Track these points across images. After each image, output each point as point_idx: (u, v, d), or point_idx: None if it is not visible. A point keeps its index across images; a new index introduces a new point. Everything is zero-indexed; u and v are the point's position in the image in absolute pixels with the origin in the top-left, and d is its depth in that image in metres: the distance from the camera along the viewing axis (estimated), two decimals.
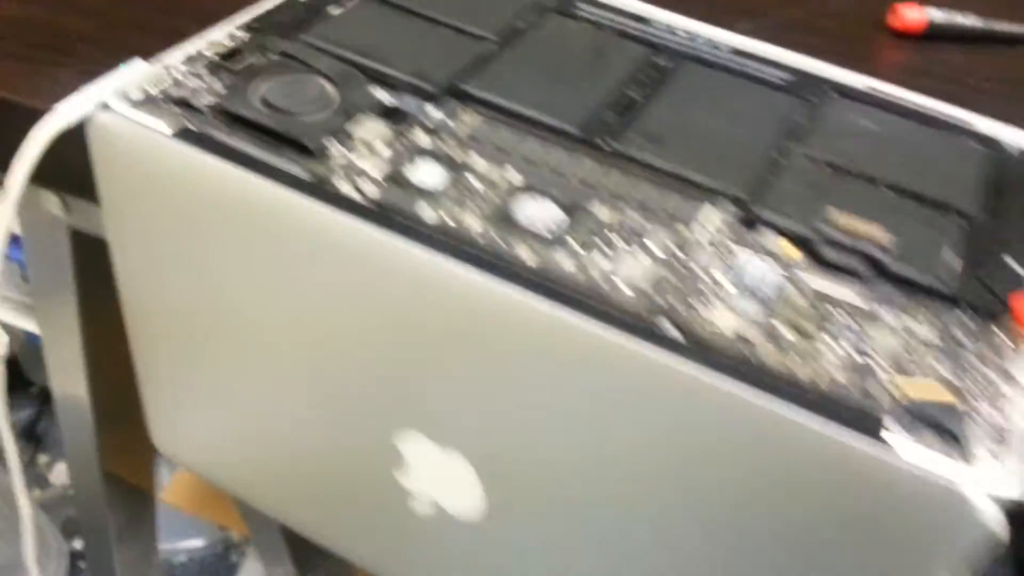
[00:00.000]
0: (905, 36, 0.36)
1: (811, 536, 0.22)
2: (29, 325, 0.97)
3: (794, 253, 0.24)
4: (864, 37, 0.37)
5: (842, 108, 0.30)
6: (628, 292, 0.23)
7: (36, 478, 1.07)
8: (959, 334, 0.23)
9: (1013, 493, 0.19)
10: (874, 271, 0.24)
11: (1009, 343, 0.23)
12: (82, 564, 0.99)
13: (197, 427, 0.35)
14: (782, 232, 0.25)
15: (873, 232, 0.24)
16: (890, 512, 0.20)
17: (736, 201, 0.26)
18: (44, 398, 1.14)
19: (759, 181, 0.26)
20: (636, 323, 0.22)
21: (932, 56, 0.36)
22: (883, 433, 0.20)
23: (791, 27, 0.36)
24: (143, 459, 0.70)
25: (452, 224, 0.24)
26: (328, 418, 0.30)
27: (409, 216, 0.24)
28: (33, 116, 0.26)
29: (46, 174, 0.27)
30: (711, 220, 0.25)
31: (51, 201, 0.34)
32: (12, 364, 1.08)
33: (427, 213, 0.24)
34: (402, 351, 0.26)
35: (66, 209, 0.34)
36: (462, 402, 0.26)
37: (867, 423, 0.20)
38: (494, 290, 0.23)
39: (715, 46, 0.32)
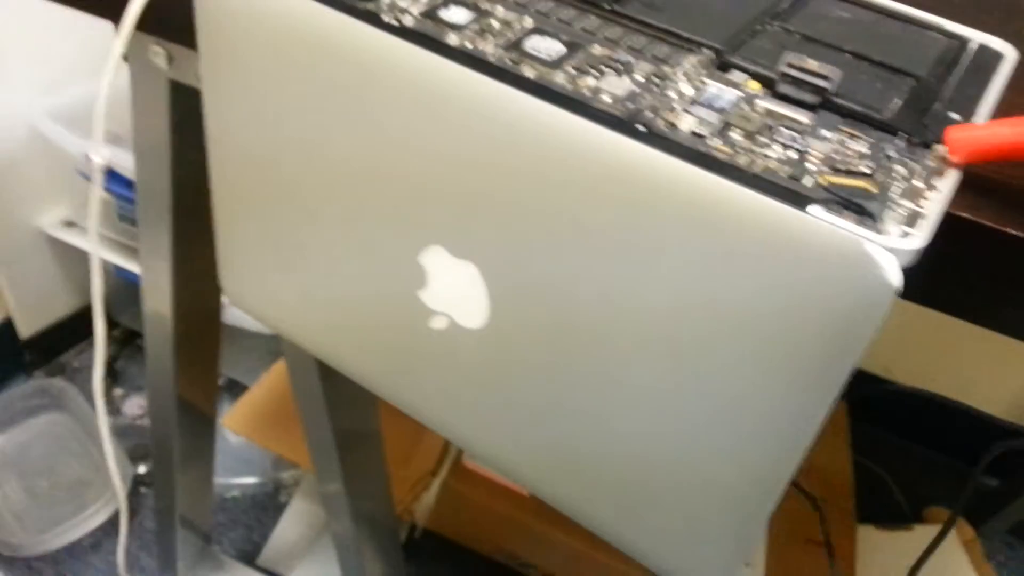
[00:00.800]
0: None
1: (738, 293, 0.26)
2: (121, 262, 1.07)
3: (755, 86, 0.29)
4: None
5: (825, 1, 0.34)
6: (608, 100, 0.28)
7: (110, 408, 1.16)
8: (891, 152, 0.27)
9: (910, 249, 0.23)
10: (822, 103, 0.28)
11: (937, 165, 0.27)
12: (143, 489, 1.07)
13: (260, 271, 0.41)
14: (749, 74, 0.30)
15: (823, 69, 0.28)
16: (807, 268, 0.24)
17: (715, 51, 0.30)
18: (125, 339, 1.23)
19: (738, 40, 0.31)
20: (610, 119, 0.27)
21: None
22: (807, 206, 0.24)
23: None
24: (210, 387, 0.77)
25: (470, 46, 0.29)
26: (367, 246, 0.35)
27: (436, 40, 0.29)
28: None
29: (154, 23, 0.34)
30: (690, 62, 0.30)
31: (157, 53, 0.41)
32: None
33: (451, 39, 0.30)
34: (428, 162, 0.31)
35: (169, 61, 0.40)
36: (475, 209, 0.31)
37: (794, 197, 0.24)
38: (499, 93, 0.28)
39: None
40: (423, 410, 0.39)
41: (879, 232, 0.23)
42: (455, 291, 0.33)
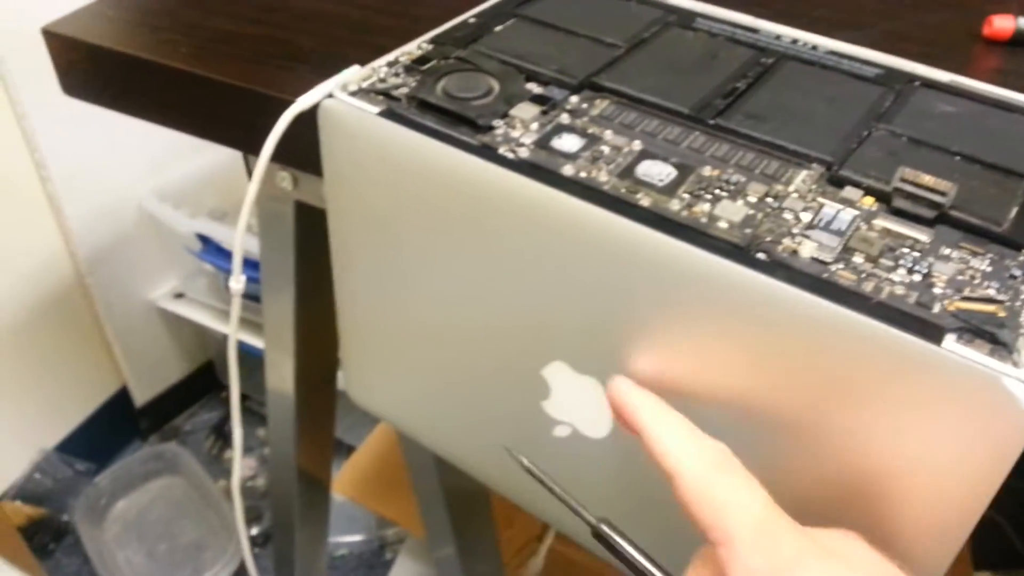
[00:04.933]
0: (995, 42, 0.40)
1: (874, 429, 0.26)
2: (227, 330, 1.12)
3: (870, 202, 0.29)
4: (956, 44, 0.41)
5: (925, 96, 0.35)
6: (724, 226, 0.29)
7: (222, 471, 1.21)
8: (1016, 271, 0.27)
9: None
10: (939, 217, 0.29)
11: None
12: (256, 550, 1.11)
13: (385, 375, 0.43)
14: (862, 188, 0.30)
15: (939, 184, 0.29)
16: (942, 402, 0.25)
17: (825, 164, 0.31)
18: None
19: (845, 150, 0.32)
20: (729, 248, 0.28)
21: (1019, 59, 0.39)
22: (942, 340, 0.24)
23: (890, 36, 0.41)
24: (326, 454, 0.80)
25: (584, 176, 0.31)
26: (490, 359, 0.36)
27: (552, 171, 0.31)
28: (278, 104, 0.35)
29: (283, 153, 0.36)
30: (802, 178, 0.31)
31: (284, 178, 0.44)
32: (208, 368, 1.23)
33: (566, 169, 0.31)
34: (546, 284, 0.32)
35: (295, 184, 0.43)
36: (595, 333, 0.32)
37: (926, 328, 0.25)
38: (616, 224, 0.29)
39: (814, 47, 0.37)
40: (544, 512, 0.40)
41: (1015, 364, 0.24)
42: (578, 403, 0.34)
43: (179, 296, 1.19)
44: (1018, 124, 0.34)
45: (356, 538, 1.10)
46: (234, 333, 0.42)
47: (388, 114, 0.33)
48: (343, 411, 1.15)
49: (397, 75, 0.36)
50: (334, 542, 1.10)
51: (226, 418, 1.27)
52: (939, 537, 0.27)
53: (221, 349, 1.20)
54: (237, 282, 0.39)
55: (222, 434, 1.25)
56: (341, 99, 0.34)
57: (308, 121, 0.35)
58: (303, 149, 0.36)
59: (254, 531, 1.12)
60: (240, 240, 0.37)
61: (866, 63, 0.36)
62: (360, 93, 0.34)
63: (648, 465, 0.34)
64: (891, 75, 0.36)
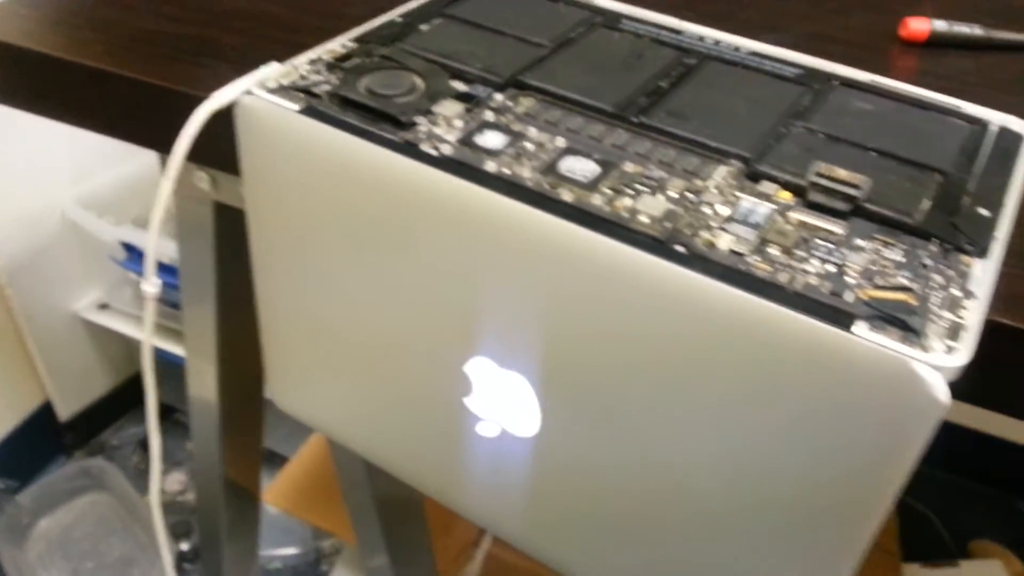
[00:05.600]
0: (912, 44, 0.42)
1: (787, 414, 0.26)
2: (156, 341, 1.09)
3: (787, 196, 0.30)
4: (875, 46, 0.42)
5: (843, 95, 0.36)
6: (645, 220, 0.29)
7: (149, 486, 1.17)
8: (926, 260, 0.28)
9: (956, 366, 0.24)
10: (854, 210, 0.29)
11: (971, 271, 0.27)
12: (186, 565, 1.07)
13: (308, 379, 0.42)
14: (779, 183, 0.31)
15: (853, 178, 0.29)
16: (853, 388, 0.25)
17: (743, 160, 0.32)
18: (162, 415, 1.25)
19: (764, 146, 0.32)
20: (649, 241, 0.28)
21: (935, 60, 0.41)
22: (852, 326, 0.25)
23: (811, 38, 0.42)
24: (253, 465, 0.78)
25: (507, 172, 0.30)
26: (413, 357, 0.36)
27: (475, 167, 0.31)
28: (195, 102, 0.34)
29: (200, 152, 0.35)
30: (721, 174, 0.31)
31: (202, 178, 0.42)
32: (136, 380, 1.19)
33: (489, 165, 0.31)
34: (468, 282, 0.32)
35: (213, 185, 0.42)
36: (519, 325, 0.32)
37: (838, 316, 0.25)
38: (539, 219, 0.29)
39: (736, 48, 0.38)
40: (471, 509, 0.40)
41: (924, 349, 0.24)
42: (503, 400, 0.34)
43: (104, 307, 1.15)
44: (932, 121, 0.35)
45: (291, 550, 1.08)
46: (148, 339, 0.40)
47: (308, 111, 0.33)
48: (276, 421, 1.13)
49: (319, 72, 0.35)
50: (268, 555, 1.08)
51: None
52: (854, 523, 0.27)
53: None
54: (152, 285, 0.37)
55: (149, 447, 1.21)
56: (259, 96, 0.33)
57: (226, 119, 0.34)
58: (221, 148, 0.35)
59: (184, 546, 1.09)
60: (153, 241, 0.36)
61: (787, 63, 0.37)
62: (280, 90, 0.34)
63: (577, 465, 0.34)
64: (811, 75, 0.37)
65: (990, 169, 0.32)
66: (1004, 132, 0.34)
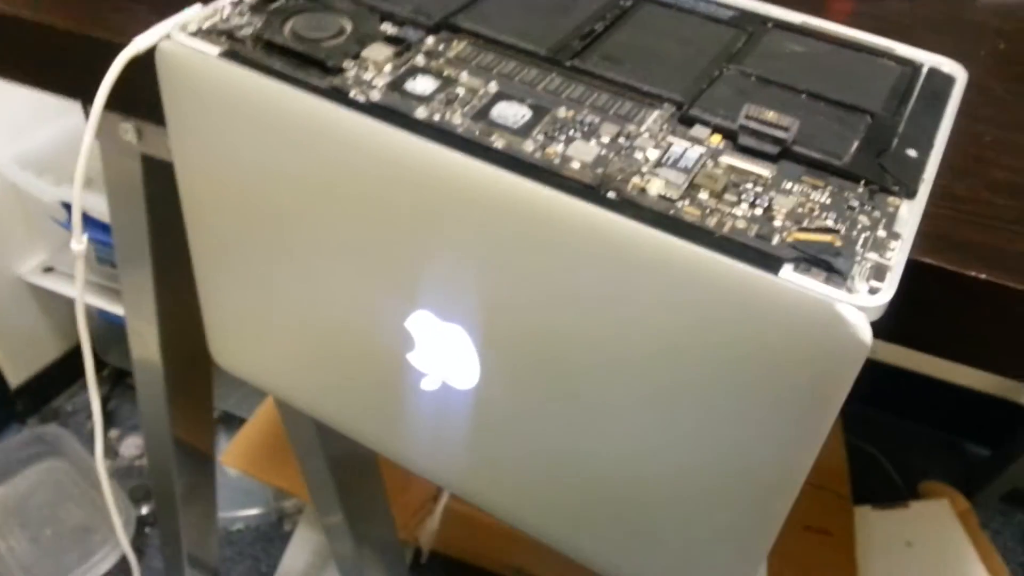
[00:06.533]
0: None
1: (716, 356, 0.27)
2: (104, 304, 1.07)
3: (717, 139, 0.30)
4: None
5: (778, 37, 0.35)
6: (577, 167, 0.28)
7: (107, 450, 1.16)
8: (853, 201, 0.28)
9: (879, 305, 0.24)
10: (782, 152, 0.29)
11: (897, 211, 0.27)
12: (147, 529, 1.07)
13: (248, 335, 0.41)
14: (710, 126, 0.30)
15: (782, 120, 0.29)
16: (778, 329, 0.25)
17: (676, 104, 0.31)
18: (116, 379, 1.23)
19: (697, 90, 0.32)
20: (580, 188, 0.27)
21: (870, 3, 0.41)
22: (779, 270, 0.25)
23: None
24: (205, 424, 0.77)
25: (438, 119, 0.30)
26: (353, 312, 0.36)
27: (404, 114, 0.30)
28: (115, 48, 0.33)
29: (123, 102, 0.34)
30: (653, 118, 0.31)
31: (127, 130, 0.41)
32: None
33: (419, 112, 0.30)
34: (403, 233, 0.31)
35: (139, 136, 0.41)
36: (456, 278, 0.31)
37: (765, 259, 0.25)
38: (470, 167, 0.28)
39: None
40: (416, 462, 0.40)
41: (848, 290, 0.24)
42: (444, 352, 0.34)
43: (49, 270, 1.12)
44: (864, 63, 0.34)
45: (253, 511, 1.07)
46: (81, 298, 0.39)
47: (230, 55, 0.31)
48: (233, 383, 1.12)
49: (242, 15, 0.34)
50: (229, 516, 1.07)
51: (109, 397, 1.22)
52: (786, 464, 0.28)
53: (99, 325, 1.14)
54: (79, 242, 0.36)
55: (105, 412, 1.20)
56: (179, 40, 0.32)
57: (147, 66, 0.32)
58: (144, 97, 0.34)
59: (144, 510, 1.08)
60: (78, 197, 0.35)
61: (721, 5, 0.37)
62: (201, 34, 0.32)
63: (516, 415, 0.34)
64: (745, 17, 0.36)
65: (920, 111, 0.32)
66: (935, 73, 0.34)
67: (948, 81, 0.34)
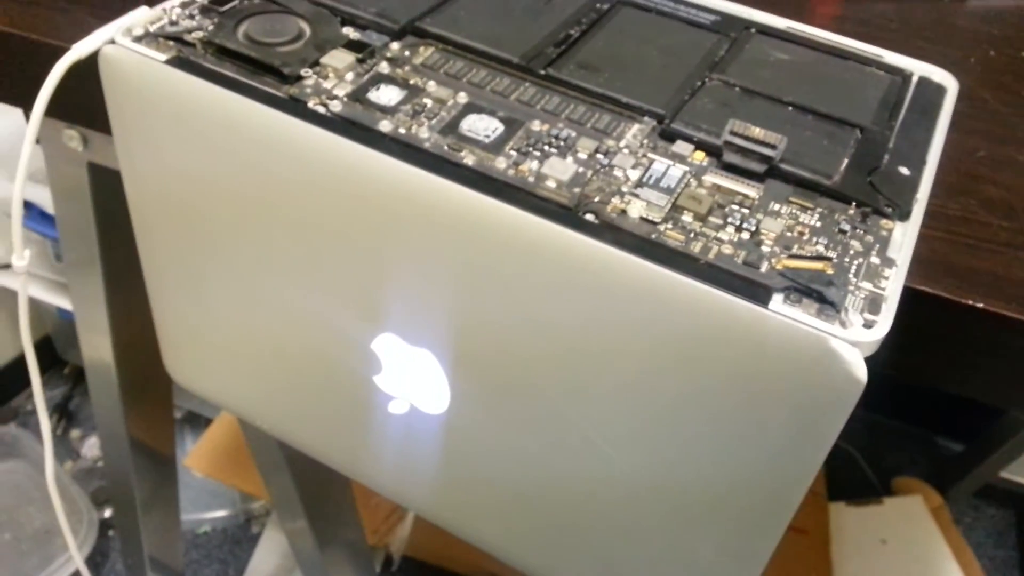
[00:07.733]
0: None
1: (702, 390, 0.25)
2: (61, 302, 1.03)
3: (701, 156, 0.28)
4: None
5: (761, 44, 0.34)
6: (552, 185, 0.27)
7: (69, 451, 1.12)
8: (844, 225, 0.26)
9: (874, 340, 0.23)
10: (769, 171, 0.27)
11: (890, 235, 0.26)
12: (111, 532, 1.04)
13: (204, 352, 0.39)
14: (693, 142, 0.29)
15: (769, 137, 0.27)
16: (767, 363, 0.24)
17: (656, 117, 0.29)
18: (77, 377, 1.20)
19: (678, 102, 0.30)
20: (556, 209, 0.26)
21: (855, 7, 0.39)
22: (768, 302, 0.23)
23: None
24: (164, 425, 0.74)
25: (404, 132, 0.28)
26: (315, 331, 0.34)
27: (368, 127, 0.28)
28: (57, 52, 0.30)
29: (67, 109, 0.32)
30: (633, 133, 0.29)
31: (72, 137, 0.38)
32: (46, 343, 1.14)
33: (384, 125, 0.28)
34: (366, 253, 0.29)
35: (85, 144, 0.38)
36: (422, 299, 0.30)
37: (753, 289, 0.24)
38: (438, 186, 0.26)
39: None
40: (385, 485, 0.38)
41: (842, 324, 0.23)
42: (413, 376, 0.32)
43: (5, 267, 1.08)
44: (851, 71, 0.33)
45: (220, 513, 1.05)
46: (24, 315, 0.37)
47: (178, 62, 0.29)
48: None
49: (192, 17, 0.31)
50: (196, 519, 1.05)
51: (70, 396, 1.18)
52: (773, 503, 0.26)
53: (58, 322, 1.10)
54: (20, 259, 0.34)
55: (66, 412, 1.16)
56: (124, 45, 0.29)
57: (91, 71, 0.30)
58: (89, 104, 0.31)
59: (107, 513, 1.05)
60: (18, 210, 0.33)
61: (703, 9, 0.35)
62: (147, 38, 0.30)
63: (488, 441, 0.33)
64: (727, 22, 0.34)
65: (911, 124, 0.31)
66: (926, 83, 0.33)
67: (939, 91, 0.33)
